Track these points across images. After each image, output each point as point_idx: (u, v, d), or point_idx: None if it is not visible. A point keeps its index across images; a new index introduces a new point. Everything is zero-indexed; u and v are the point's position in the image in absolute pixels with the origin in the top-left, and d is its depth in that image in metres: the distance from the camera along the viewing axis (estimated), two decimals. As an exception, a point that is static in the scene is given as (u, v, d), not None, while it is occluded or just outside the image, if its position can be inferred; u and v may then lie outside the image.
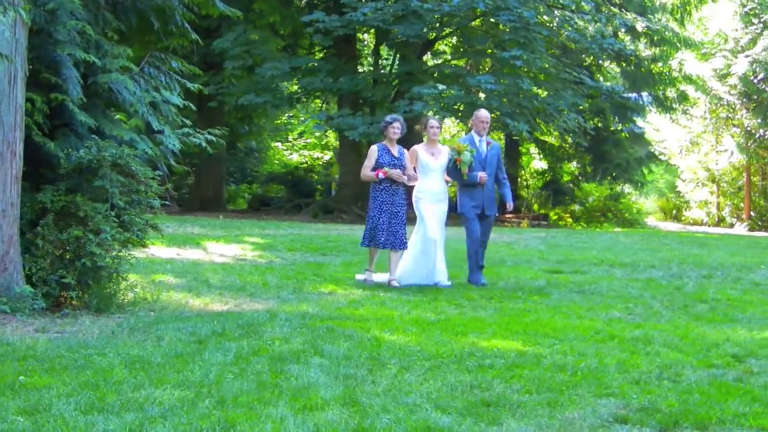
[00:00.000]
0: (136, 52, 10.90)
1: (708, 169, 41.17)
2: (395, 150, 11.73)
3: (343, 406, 5.42)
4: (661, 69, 35.49)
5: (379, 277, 11.87)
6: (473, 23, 30.29)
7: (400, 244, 11.60)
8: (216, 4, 11.43)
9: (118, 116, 10.59)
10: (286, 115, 42.24)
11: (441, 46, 35.77)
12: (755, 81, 34.94)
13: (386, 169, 11.52)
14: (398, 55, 31.64)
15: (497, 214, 12.78)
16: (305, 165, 43.03)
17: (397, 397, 5.66)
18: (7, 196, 8.26)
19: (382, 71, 32.38)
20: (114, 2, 10.27)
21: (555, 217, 36.75)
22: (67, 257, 8.80)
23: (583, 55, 33.12)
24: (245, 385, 5.85)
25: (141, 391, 5.64)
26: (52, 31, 8.91)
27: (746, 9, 35.95)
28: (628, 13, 32.98)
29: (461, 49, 33.25)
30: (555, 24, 30.36)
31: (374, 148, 11.88)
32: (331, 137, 41.16)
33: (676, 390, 6.00)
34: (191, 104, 10.62)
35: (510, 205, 12.47)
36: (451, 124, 37.99)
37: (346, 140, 29.90)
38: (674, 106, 36.75)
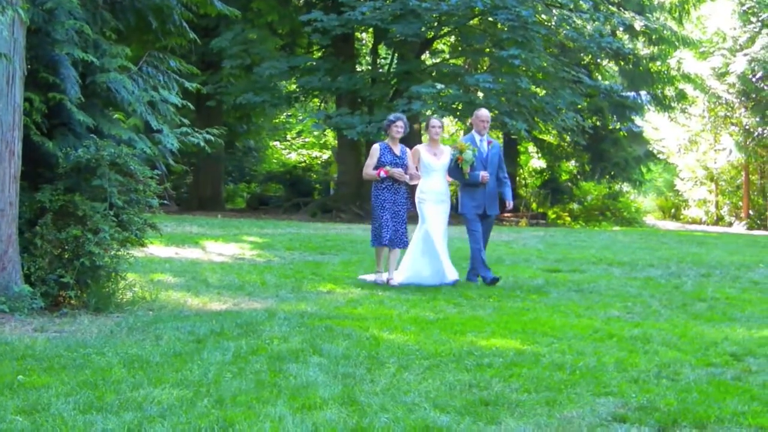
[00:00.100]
0: (135, 52, 10.89)
1: (706, 168, 41.19)
2: (397, 149, 11.70)
3: (342, 405, 5.42)
4: (660, 68, 35.50)
5: (377, 276, 11.85)
6: (471, 22, 30.27)
7: (400, 243, 11.59)
8: (214, 4, 11.43)
9: (116, 115, 10.59)
10: (285, 114, 42.22)
11: (439, 45, 35.77)
12: (754, 79, 34.95)
13: (388, 168, 11.48)
14: (396, 54, 31.63)
15: (498, 213, 12.76)
16: (304, 164, 43.04)
17: (395, 396, 5.66)
18: (6, 195, 8.25)
19: (381, 70, 32.38)
20: (112, 1, 10.27)
21: (553, 216, 36.78)
22: (66, 256, 8.81)
23: (582, 54, 33.14)
24: (244, 384, 5.85)
25: (140, 390, 5.64)
26: (51, 30, 8.90)
27: (744, 7, 35.96)
28: (626, 12, 32.97)
29: (459, 48, 33.24)
30: (553, 23, 30.35)
31: (376, 146, 11.85)
32: (330, 136, 41.15)
33: (674, 389, 6.00)
34: (189, 103, 10.62)
35: (510, 204, 12.45)
36: (449, 123, 37.96)
37: (344, 139, 29.91)
38: (673, 104, 36.76)
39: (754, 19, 35.82)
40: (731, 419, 5.32)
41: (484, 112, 12.44)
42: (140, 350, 6.86)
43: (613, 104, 33.98)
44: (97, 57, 9.22)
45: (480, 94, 28.40)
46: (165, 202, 10.44)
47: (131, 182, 9.12)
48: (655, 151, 39.32)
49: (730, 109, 37.63)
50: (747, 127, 36.60)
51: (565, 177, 40.05)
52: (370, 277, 11.86)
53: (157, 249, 13.13)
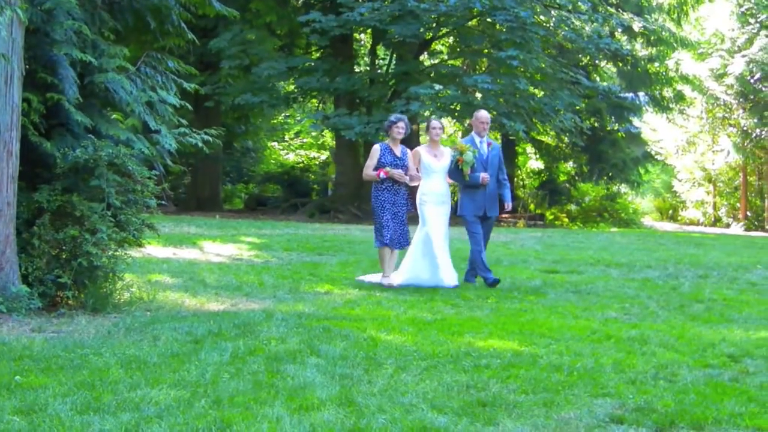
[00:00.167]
0: (133, 52, 10.87)
1: (704, 169, 41.23)
2: (398, 150, 11.66)
3: (339, 406, 5.42)
4: (658, 69, 35.52)
5: (374, 278, 11.85)
6: (470, 23, 30.28)
7: (402, 243, 11.54)
8: (212, 4, 11.42)
9: (114, 116, 10.59)
10: (283, 114, 42.25)
11: (438, 46, 35.77)
12: (752, 81, 34.97)
13: (388, 168, 11.44)
14: (395, 55, 31.66)
15: (498, 215, 12.73)
16: (302, 165, 43.06)
17: (393, 397, 5.66)
18: (4, 195, 8.25)
19: (379, 71, 32.41)
20: (110, 2, 10.25)
21: (551, 217, 36.81)
22: (64, 257, 8.80)
23: (580, 55, 33.16)
24: (241, 384, 5.85)
25: (137, 390, 5.64)
26: (49, 30, 8.90)
27: (743, 9, 35.99)
28: (624, 13, 33.01)
29: (458, 49, 33.25)
30: (552, 24, 30.39)
31: (377, 147, 11.81)
32: (328, 137, 41.15)
33: (672, 390, 6.00)
34: (188, 104, 10.62)
35: (509, 206, 12.41)
36: (448, 124, 38.00)
37: (342, 140, 29.91)
38: (671, 105, 36.79)
39: (752, 21, 35.85)
40: (728, 420, 5.33)
41: (483, 114, 12.39)
42: (138, 351, 6.86)
43: (611, 105, 34.02)
44: (96, 57, 9.22)
45: (478, 95, 28.42)
46: (163, 202, 10.44)
47: (129, 183, 9.11)
48: (653, 153, 39.39)
49: (728, 110, 37.66)
50: (745, 128, 36.63)
51: (563, 178, 40.09)
52: (374, 278, 11.82)
53: (154, 249, 13.15)
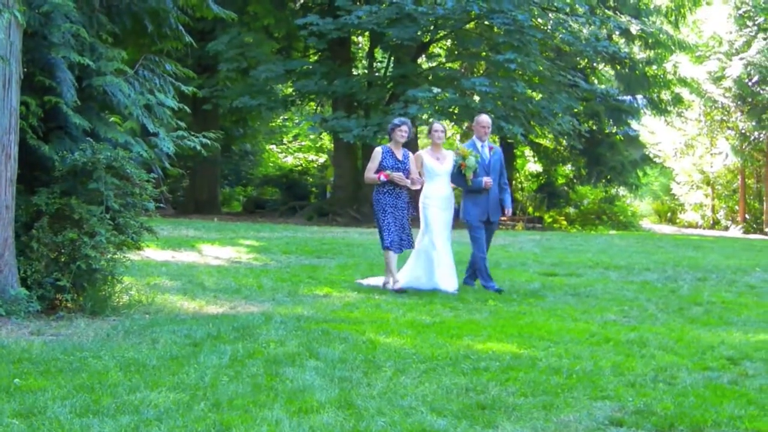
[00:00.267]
0: (131, 55, 10.88)
1: (702, 172, 41.31)
2: (400, 153, 11.58)
3: (339, 408, 5.42)
4: (656, 72, 35.58)
5: (374, 281, 11.84)
6: (467, 26, 30.33)
7: (406, 245, 11.50)
8: (210, 7, 11.41)
9: (112, 119, 10.58)
10: (281, 117, 42.29)
11: (435, 49, 35.80)
12: (750, 84, 35.03)
13: (388, 172, 11.37)
14: (393, 58, 31.68)
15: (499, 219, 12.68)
16: (300, 168, 43.08)
17: (392, 399, 5.66)
18: (2, 198, 8.24)
19: (377, 74, 32.43)
20: (108, 5, 10.25)
21: (549, 220, 36.85)
22: (62, 260, 8.80)
23: (578, 58, 33.20)
24: (240, 387, 5.84)
25: (136, 393, 5.63)
26: (47, 33, 8.89)
27: (740, 12, 36.05)
28: (622, 16, 33.06)
29: (456, 52, 33.31)
30: (549, 27, 30.43)
31: (378, 149, 11.73)
32: (326, 140, 41.18)
33: (671, 393, 6.00)
34: (186, 107, 10.60)
35: (508, 212, 12.27)
36: (446, 128, 37.99)
37: (340, 143, 29.92)
38: (669, 108, 36.87)
39: (750, 23, 35.91)
40: (728, 423, 5.32)
41: (484, 118, 12.28)
42: (137, 353, 6.86)
43: (609, 108, 34.06)
44: (94, 60, 9.21)
45: (476, 98, 28.44)
46: (161, 205, 10.45)
47: (127, 185, 9.10)
48: (651, 155, 39.43)
49: (726, 113, 37.72)
50: (743, 131, 36.68)
51: (561, 181, 40.14)
52: (373, 282, 11.79)
53: (153, 252, 13.14)
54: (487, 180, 11.76)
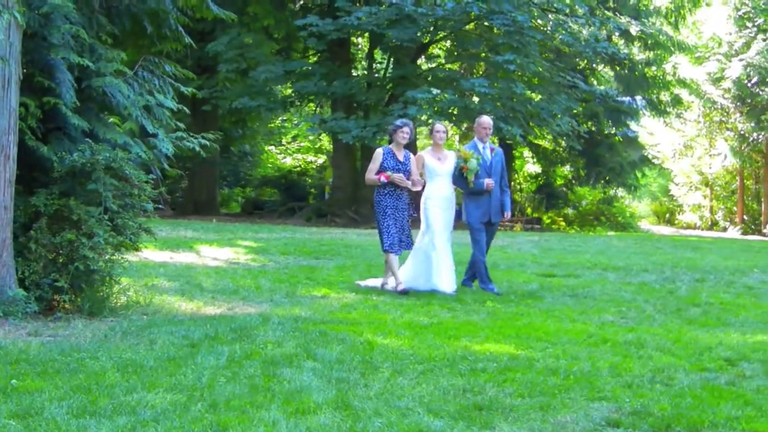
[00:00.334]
0: (130, 56, 10.88)
1: (701, 173, 41.30)
2: (401, 154, 11.55)
3: (336, 409, 5.42)
4: (655, 73, 35.57)
5: (373, 282, 11.84)
6: (467, 27, 30.32)
7: (405, 246, 11.49)
8: (210, 7, 11.41)
9: (111, 120, 10.58)
10: (280, 118, 42.26)
11: (435, 50, 35.80)
12: (749, 85, 35.01)
13: (389, 173, 11.35)
14: (392, 59, 31.68)
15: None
16: (299, 168, 43.04)
17: (389, 400, 5.67)
18: (1, 199, 8.24)
19: (376, 75, 32.43)
20: (108, 6, 10.25)
21: (548, 221, 36.83)
22: (60, 261, 8.80)
23: (577, 59, 33.19)
24: (238, 388, 5.85)
25: (133, 394, 5.64)
26: (46, 34, 8.90)
27: (740, 13, 36.03)
28: (621, 17, 33.05)
29: (455, 53, 33.30)
30: (549, 28, 30.44)
31: (379, 150, 11.69)
32: (325, 141, 41.16)
33: (668, 394, 6.01)
34: (185, 108, 10.61)
35: (508, 215, 12.25)
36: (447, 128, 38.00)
37: (339, 144, 29.91)
38: (668, 109, 36.85)
39: (749, 25, 35.89)
40: (725, 424, 5.33)
41: (485, 120, 12.23)
42: (134, 354, 6.86)
43: (608, 109, 34.04)
44: (93, 61, 9.22)
45: (475, 99, 28.44)
46: (160, 206, 10.46)
47: (126, 186, 9.10)
48: (650, 156, 39.40)
49: (725, 114, 37.71)
50: (742, 132, 36.68)
51: (560, 182, 40.12)
52: (371, 283, 11.78)
53: (151, 253, 13.15)
54: (488, 182, 11.74)
